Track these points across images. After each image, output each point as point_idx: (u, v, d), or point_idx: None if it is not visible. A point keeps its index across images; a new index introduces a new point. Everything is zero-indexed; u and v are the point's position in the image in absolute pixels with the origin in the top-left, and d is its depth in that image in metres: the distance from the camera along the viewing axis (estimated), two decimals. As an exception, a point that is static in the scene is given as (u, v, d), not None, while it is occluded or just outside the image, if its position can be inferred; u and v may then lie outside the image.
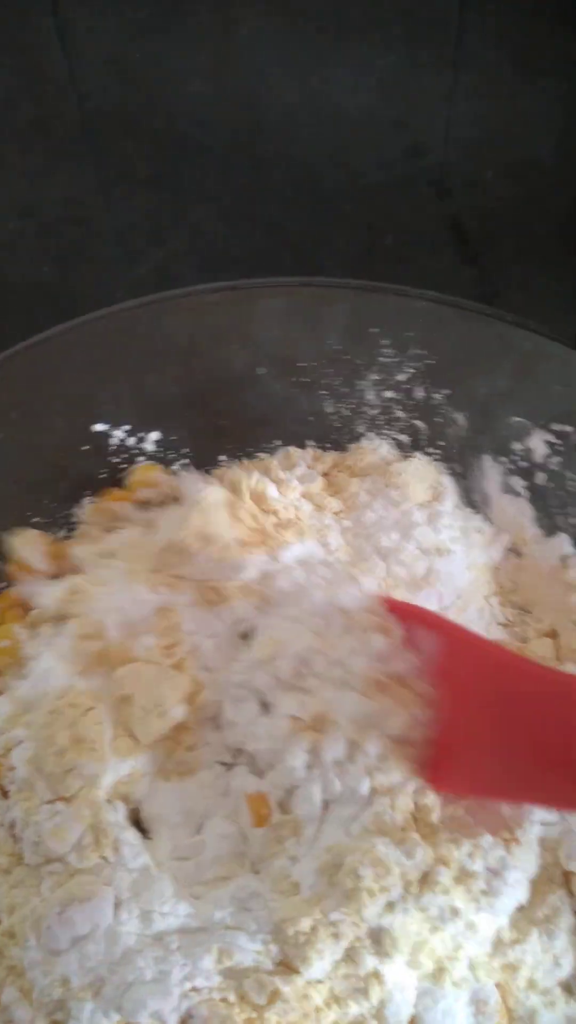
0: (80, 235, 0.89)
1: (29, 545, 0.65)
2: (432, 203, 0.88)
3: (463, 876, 0.47)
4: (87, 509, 0.67)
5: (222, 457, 0.70)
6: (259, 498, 0.63)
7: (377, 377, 0.66)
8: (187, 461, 0.69)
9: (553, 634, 0.62)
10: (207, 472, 0.69)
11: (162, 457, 0.69)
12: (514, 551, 0.66)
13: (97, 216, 0.88)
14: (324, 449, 0.69)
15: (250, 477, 0.64)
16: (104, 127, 0.84)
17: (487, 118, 0.84)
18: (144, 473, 0.68)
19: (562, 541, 0.64)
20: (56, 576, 0.64)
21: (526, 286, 0.85)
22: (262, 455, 0.70)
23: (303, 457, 0.68)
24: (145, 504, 0.68)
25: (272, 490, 0.63)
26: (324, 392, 0.68)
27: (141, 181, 0.86)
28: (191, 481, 0.65)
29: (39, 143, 0.84)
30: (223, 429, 0.70)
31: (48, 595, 0.61)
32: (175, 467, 0.70)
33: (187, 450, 0.69)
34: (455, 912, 0.46)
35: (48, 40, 0.78)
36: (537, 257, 0.87)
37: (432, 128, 0.84)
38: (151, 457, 0.69)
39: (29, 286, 0.87)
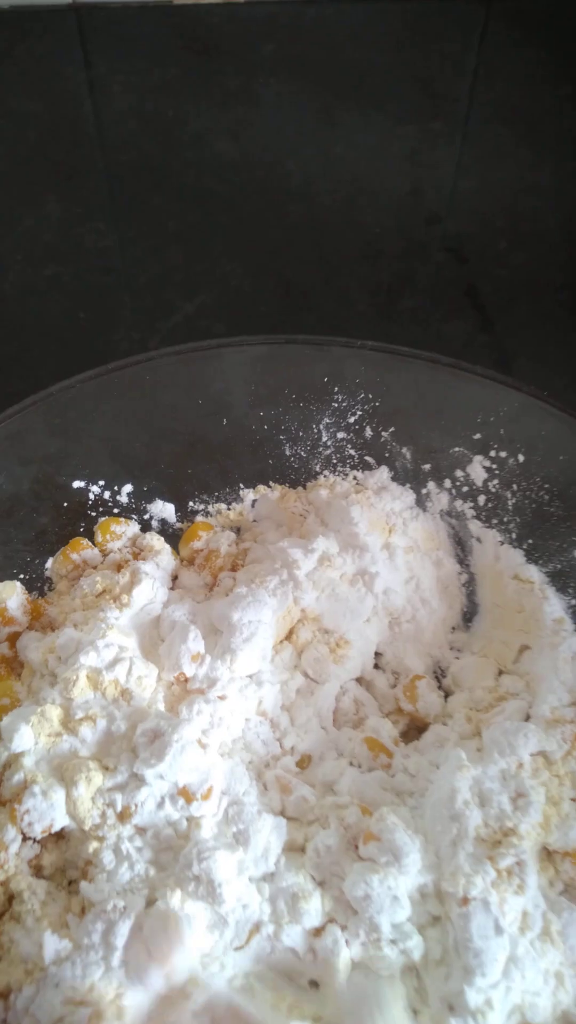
0: (114, 284, 0.93)
1: (13, 596, 0.68)
2: (449, 269, 0.94)
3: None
4: (52, 562, 0.71)
5: (191, 502, 0.76)
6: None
7: (330, 420, 0.73)
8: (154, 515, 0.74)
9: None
10: (180, 517, 0.75)
11: (135, 507, 0.74)
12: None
13: (129, 266, 0.93)
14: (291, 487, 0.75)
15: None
16: (134, 181, 0.87)
17: (499, 189, 0.90)
18: (106, 527, 0.72)
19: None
20: (31, 629, 0.68)
21: (537, 353, 0.90)
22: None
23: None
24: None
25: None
26: (283, 437, 0.74)
27: (171, 235, 0.91)
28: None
29: (74, 193, 0.88)
30: (190, 477, 0.75)
31: (36, 649, 0.65)
32: (147, 516, 0.75)
33: (158, 499, 0.74)
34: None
35: (80, 94, 0.82)
36: (549, 326, 0.92)
37: (447, 197, 0.90)
38: (125, 509, 0.74)
39: (65, 330, 0.91)
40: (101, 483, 0.72)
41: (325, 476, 0.76)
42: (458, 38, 0.97)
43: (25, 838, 0.56)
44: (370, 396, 0.72)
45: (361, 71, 0.96)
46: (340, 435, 0.74)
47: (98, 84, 0.87)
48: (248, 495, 0.77)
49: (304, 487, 0.77)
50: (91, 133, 0.92)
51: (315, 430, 0.74)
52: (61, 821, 0.55)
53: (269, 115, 0.92)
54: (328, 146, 0.93)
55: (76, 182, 0.93)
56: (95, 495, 0.72)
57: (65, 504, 0.71)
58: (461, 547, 0.75)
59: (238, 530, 0.76)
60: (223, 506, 0.77)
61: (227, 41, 0.97)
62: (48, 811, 0.55)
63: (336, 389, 0.71)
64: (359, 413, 0.73)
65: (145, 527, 0.74)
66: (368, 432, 0.73)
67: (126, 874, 0.52)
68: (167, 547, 0.73)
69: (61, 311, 0.93)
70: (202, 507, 0.76)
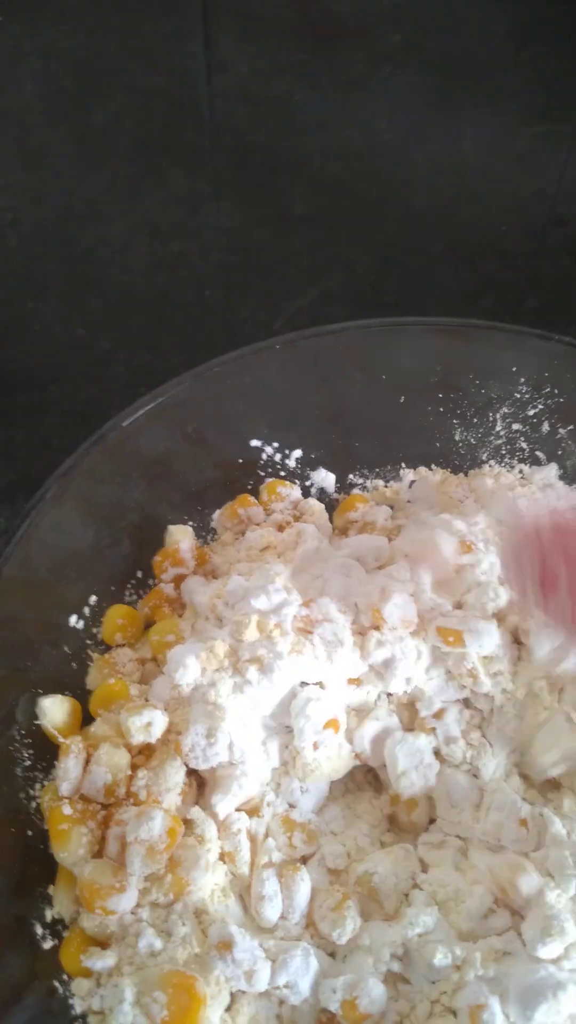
0: (238, 264, 0.94)
1: (186, 539, 0.71)
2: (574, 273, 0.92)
3: None
4: (218, 514, 0.74)
5: (351, 475, 0.77)
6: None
7: (508, 410, 0.73)
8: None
9: None
10: (339, 488, 0.76)
11: (300, 473, 0.76)
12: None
13: (254, 247, 0.94)
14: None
15: None
16: (258, 163, 0.88)
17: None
18: (273, 487, 0.74)
19: None
20: (195, 574, 0.70)
21: None
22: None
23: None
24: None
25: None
26: (456, 421, 0.74)
27: (295, 219, 0.92)
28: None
29: (198, 172, 0.89)
30: (356, 451, 0.76)
31: (204, 593, 0.67)
32: (308, 483, 0.76)
33: (321, 468, 0.76)
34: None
35: (202, 74, 0.83)
36: None
37: (573, 200, 0.89)
38: (292, 473, 0.75)
39: (191, 307, 0.92)
40: (275, 444, 0.73)
41: (490, 466, 0.76)
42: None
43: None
44: (555, 391, 0.71)
45: (485, 66, 0.94)
46: (515, 426, 0.74)
47: (221, 65, 0.87)
48: (408, 475, 0.77)
49: (466, 474, 0.77)
50: (214, 113, 0.93)
51: (491, 418, 0.74)
52: (223, 755, 0.58)
53: (393, 104, 0.91)
54: (453, 139, 0.92)
55: (200, 161, 0.94)
56: (267, 455, 0.74)
57: (240, 460, 0.73)
58: (619, 555, 0.73)
59: (391, 508, 0.77)
60: (381, 482, 0.77)
61: (351, 29, 0.96)
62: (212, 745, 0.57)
63: (523, 380, 0.71)
64: (540, 407, 0.72)
65: (305, 493, 0.76)
66: (545, 427, 0.73)
67: None
68: (326, 514, 0.74)
69: (187, 287, 0.94)
70: (361, 481, 0.77)
